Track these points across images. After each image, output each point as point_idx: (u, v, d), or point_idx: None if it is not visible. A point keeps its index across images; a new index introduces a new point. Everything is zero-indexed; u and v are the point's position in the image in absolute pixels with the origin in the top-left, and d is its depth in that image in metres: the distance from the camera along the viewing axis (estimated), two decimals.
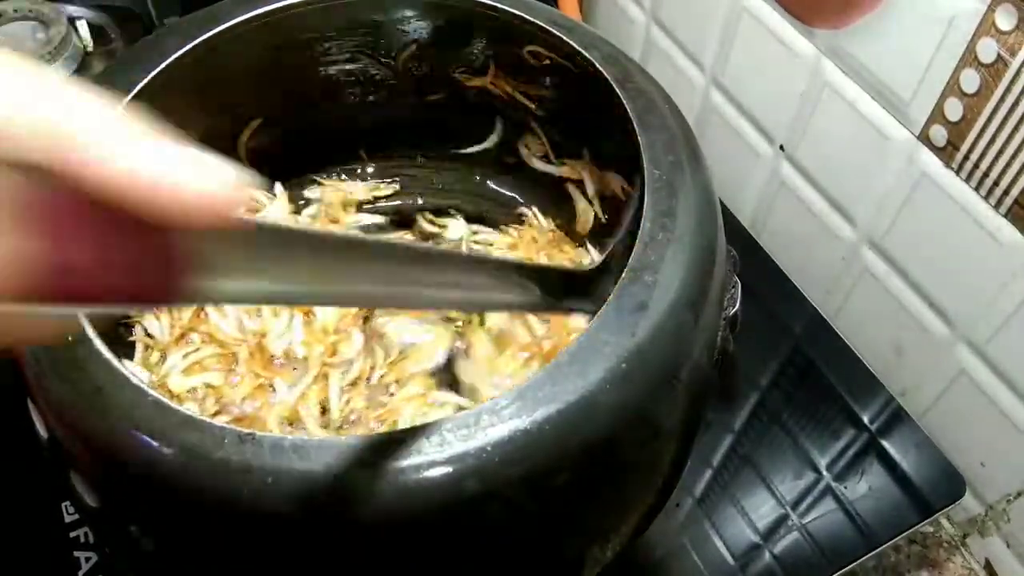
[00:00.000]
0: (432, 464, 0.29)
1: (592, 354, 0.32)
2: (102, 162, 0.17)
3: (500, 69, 0.53)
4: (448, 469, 0.29)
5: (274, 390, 0.47)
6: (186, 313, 0.48)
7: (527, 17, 0.46)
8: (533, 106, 0.54)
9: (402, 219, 0.58)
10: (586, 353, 0.32)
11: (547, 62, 0.50)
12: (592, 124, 0.51)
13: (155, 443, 0.30)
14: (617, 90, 0.42)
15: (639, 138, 0.40)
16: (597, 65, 0.43)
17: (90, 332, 0.33)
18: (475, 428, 0.30)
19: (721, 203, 0.42)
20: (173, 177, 0.17)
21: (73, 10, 0.69)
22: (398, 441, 0.30)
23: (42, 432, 0.35)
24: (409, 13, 0.50)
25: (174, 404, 0.31)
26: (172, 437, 0.30)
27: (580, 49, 0.44)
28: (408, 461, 0.29)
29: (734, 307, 0.41)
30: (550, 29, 0.45)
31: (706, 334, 0.37)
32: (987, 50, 0.45)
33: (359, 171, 0.60)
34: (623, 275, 0.35)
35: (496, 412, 0.31)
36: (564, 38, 0.44)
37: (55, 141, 0.16)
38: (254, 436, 0.30)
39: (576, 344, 0.33)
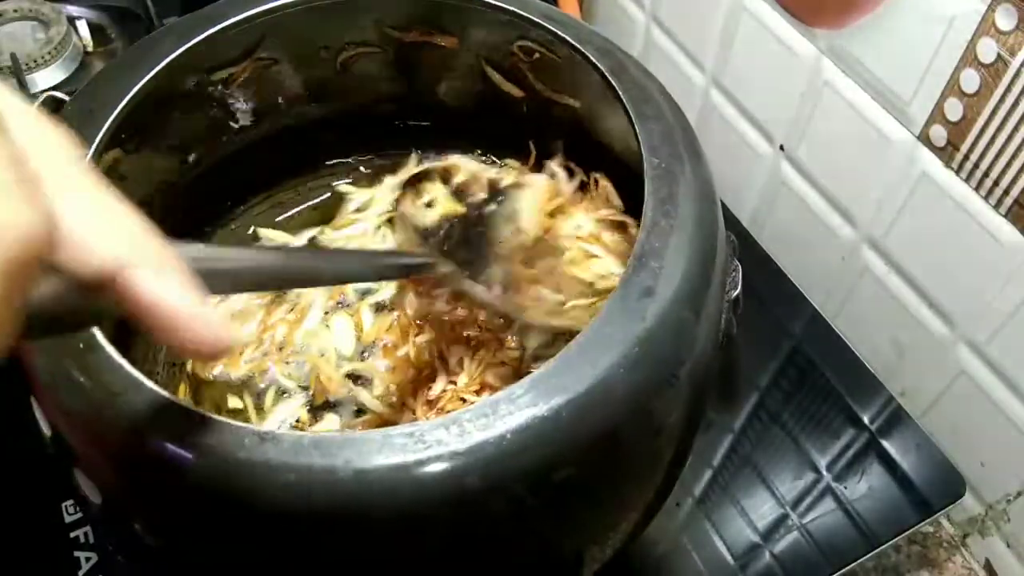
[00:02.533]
0: (454, 455, 0.30)
1: (604, 341, 0.33)
2: (143, 284, 0.21)
3: (489, 64, 0.53)
4: (469, 459, 0.30)
5: None
6: None
7: (521, 12, 0.46)
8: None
9: None
10: (598, 340, 0.33)
11: (536, 56, 0.50)
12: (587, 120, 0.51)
13: (174, 447, 0.30)
14: (613, 82, 0.42)
15: (636, 128, 0.40)
16: (592, 58, 0.43)
17: (101, 339, 0.32)
18: (493, 417, 0.30)
19: (721, 203, 0.42)
20: (184, 319, 0.22)
21: (73, 10, 0.69)
22: (418, 433, 0.30)
23: (46, 429, 0.35)
24: (402, 9, 0.51)
25: (192, 407, 0.31)
26: (191, 440, 0.30)
27: (575, 43, 0.44)
28: (428, 452, 0.30)
29: (736, 290, 0.41)
30: (544, 24, 0.45)
31: (711, 317, 0.37)
32: (987, 50, 0.45)
33: (354, 170, 0.60)
34: (629, 261, 0.35)
35: (513, 401, 0.31)
36: (559, 32, 0.45)
37: (120, 259, 0.21)
38: (273, 435, 0.30)
39: (587, 332, 0.33)
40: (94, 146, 0.39)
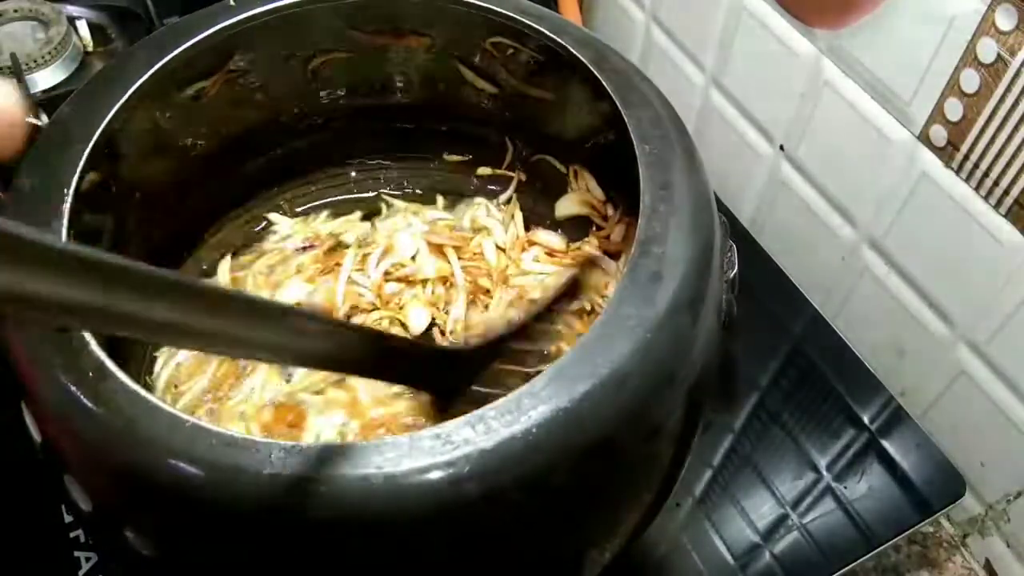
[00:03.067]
0: (483, 453, 0.30)
1: (618, 328, 0.33)
2: None
3: (463, 64, 0.53)
4: (498, 456, 0.30)
5: None
6: None
7: (493, 7, 0.46)
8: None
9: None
10: (612, 328, 0.33)
11: (511, 51, 0.49)
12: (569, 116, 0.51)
13: (197, 470, 0.30)
14: (595, 72, 0.42)
15: (624, 116, 0.40)
16: (571, 49, 0.43)
17: (111, 367, 0.32)
18: (518, 413, 0.30)
19: (722, 204, 0.42)
20: None
21: (73, 10, 0.69)
22: (444, 434, 0.30)
23: (36, 436, 0.35)
24: (370, 12, 0.50)
25: (213, 426, 0.30)
26: (216, 461, 0.30)
27: (552, 35, 0.44)
28: (457, 452, 0.30)
29: (733, 270, 0.42)
30: (518, 18, 0.45)
31: (715, 297, 0.38)
32: (987, 50, 0.45)
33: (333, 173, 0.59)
34: (633, 249, 0.35)
35: (535, 395, 0.31)
36: (535, 25, 0.45)
37: None
38: (299, 447, 0.30)
39: (600, 321, 0.33)
40: (78, 171, 0.38)
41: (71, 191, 0.37)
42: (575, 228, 0.55)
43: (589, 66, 0.42)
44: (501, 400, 0.31)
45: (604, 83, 0.42)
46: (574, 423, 0.31)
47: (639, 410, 0.33)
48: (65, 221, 0.37)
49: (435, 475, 0.29)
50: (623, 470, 0.35)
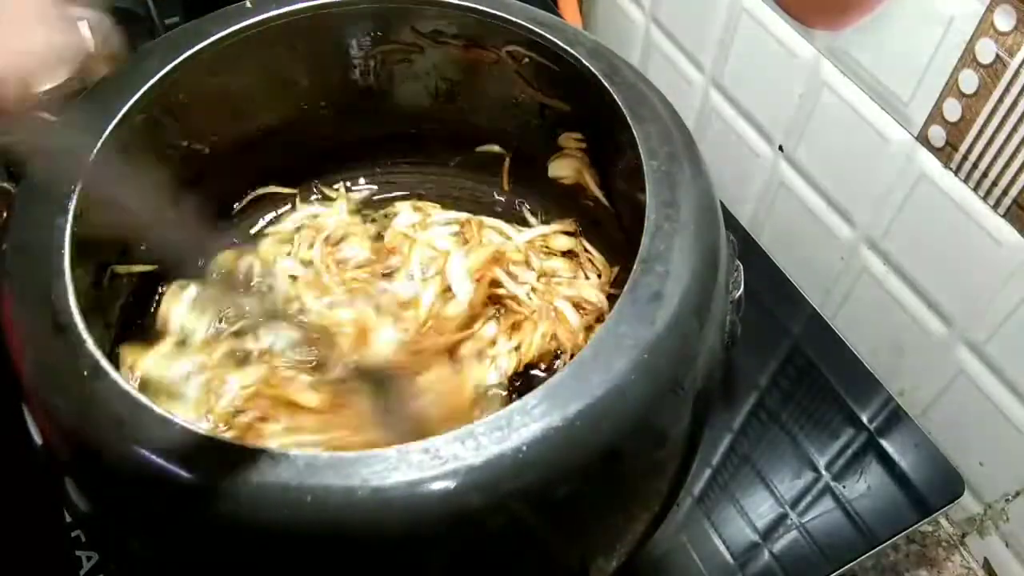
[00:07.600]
0: (471, 469, 0.29)
1: (614, 347, 0.33)
2: None
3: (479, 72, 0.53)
4: (487, 473, 0.30)
5: None
6: None
7: (507, 16, 0.45)
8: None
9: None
10: (608, 346, 0.33)
11: (526, 61, 0.49)
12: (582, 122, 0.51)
13: (185, 472, 0.30)
14: (606, 84, 0.42)
15: (633, 129, 0.40)
16: (584, 61, 0.43)
17: (106, 367, 0.32)
18: (508, 430, 0.30)
19: (721, 204, 0.42)
20: None
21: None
22: (433, 449, 0.30)
23: (36, 438, 0.35)
24: (378, 21, 0.50)
25: (203, 430, 0.30)
26: (204, 465, 0.30)
27: (565, 46, 0.44)
28: (445, 468, 0.29)
29: (739, 290, 0.41)
30: (532, 28, 0.45)
31: (718, 318, 0.37)
32: (986, 51, 0.45)
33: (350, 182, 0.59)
34: (635, 266, 0.35)
35: (527, 412, 0.31)
36: (548, 36, 0.44)
37: None
38: (287, 456, 0.30)
39: (597, 338, 0.33)
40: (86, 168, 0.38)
41: (78, 187, 0.38)
42: (558, 199, 0.54)
43: (601, 78, 0.42)
44: (491, 416, 0.31)
45: (615, 96, 0.41)
46: (566, 442, 0.31)
47: (635, 430, 0.33)
48: (70, 217, 0.37)
49: (422, 489, 0.29)
50: (618, 487, 0.35)
